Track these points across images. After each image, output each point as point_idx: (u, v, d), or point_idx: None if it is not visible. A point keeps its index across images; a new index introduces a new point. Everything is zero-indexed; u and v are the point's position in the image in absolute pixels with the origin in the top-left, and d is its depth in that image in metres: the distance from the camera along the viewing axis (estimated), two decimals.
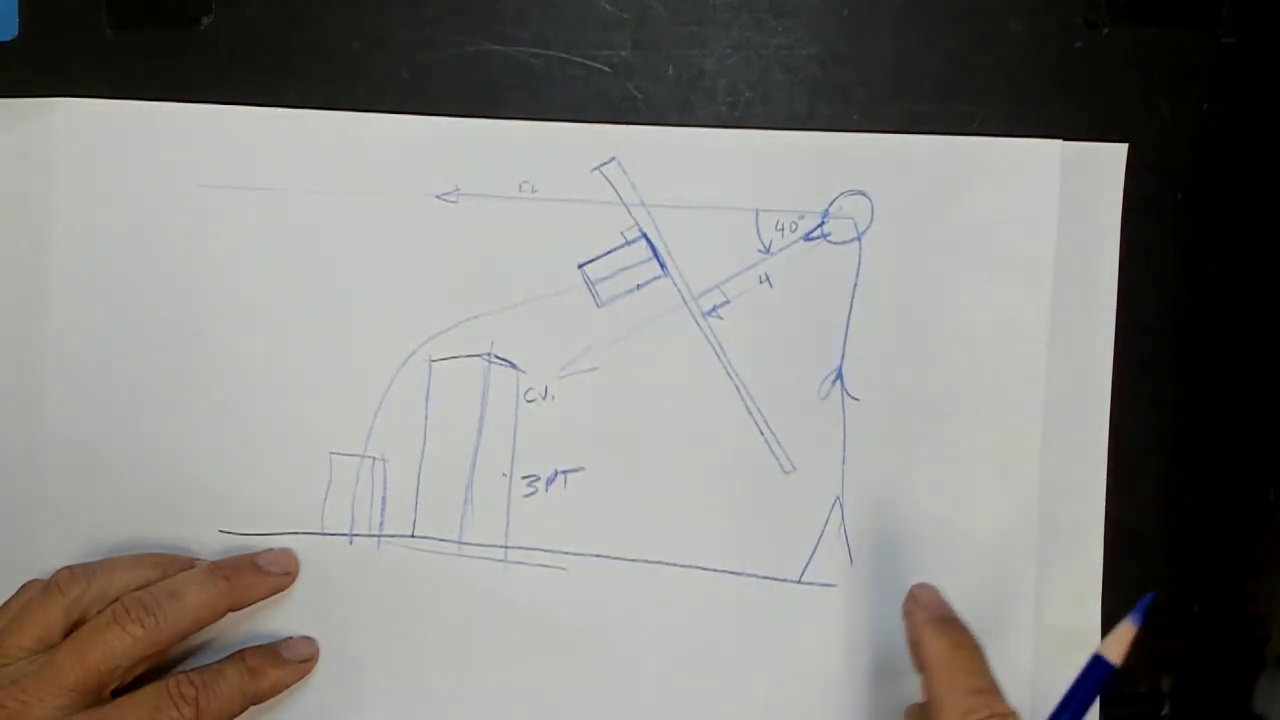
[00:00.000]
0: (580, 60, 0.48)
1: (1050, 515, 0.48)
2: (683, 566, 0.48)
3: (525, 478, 0.48)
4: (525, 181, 0.47)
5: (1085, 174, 0.47)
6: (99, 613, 0.44)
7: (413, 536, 0.48)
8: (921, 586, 0.44)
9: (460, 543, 0.48)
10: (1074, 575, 0.48)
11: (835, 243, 0.47)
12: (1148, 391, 0.48)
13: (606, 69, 0.48)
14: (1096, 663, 0.40)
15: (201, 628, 0.45)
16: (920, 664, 0.42)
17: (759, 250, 0.47)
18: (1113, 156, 0.47)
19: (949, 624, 0.42)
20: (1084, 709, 0.40)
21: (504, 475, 0.48)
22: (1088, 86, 0.47)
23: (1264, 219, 0.48)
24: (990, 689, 0.40)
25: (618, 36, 0.48)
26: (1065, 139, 0.47)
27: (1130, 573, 0.48)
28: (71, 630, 0.44)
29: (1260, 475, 0.49)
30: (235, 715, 0.45)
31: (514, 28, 0.47)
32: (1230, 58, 0.48)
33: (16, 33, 0.48)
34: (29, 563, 0.48)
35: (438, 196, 0.47)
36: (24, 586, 0.45)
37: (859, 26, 0.47)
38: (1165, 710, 0.49)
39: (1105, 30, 0.47)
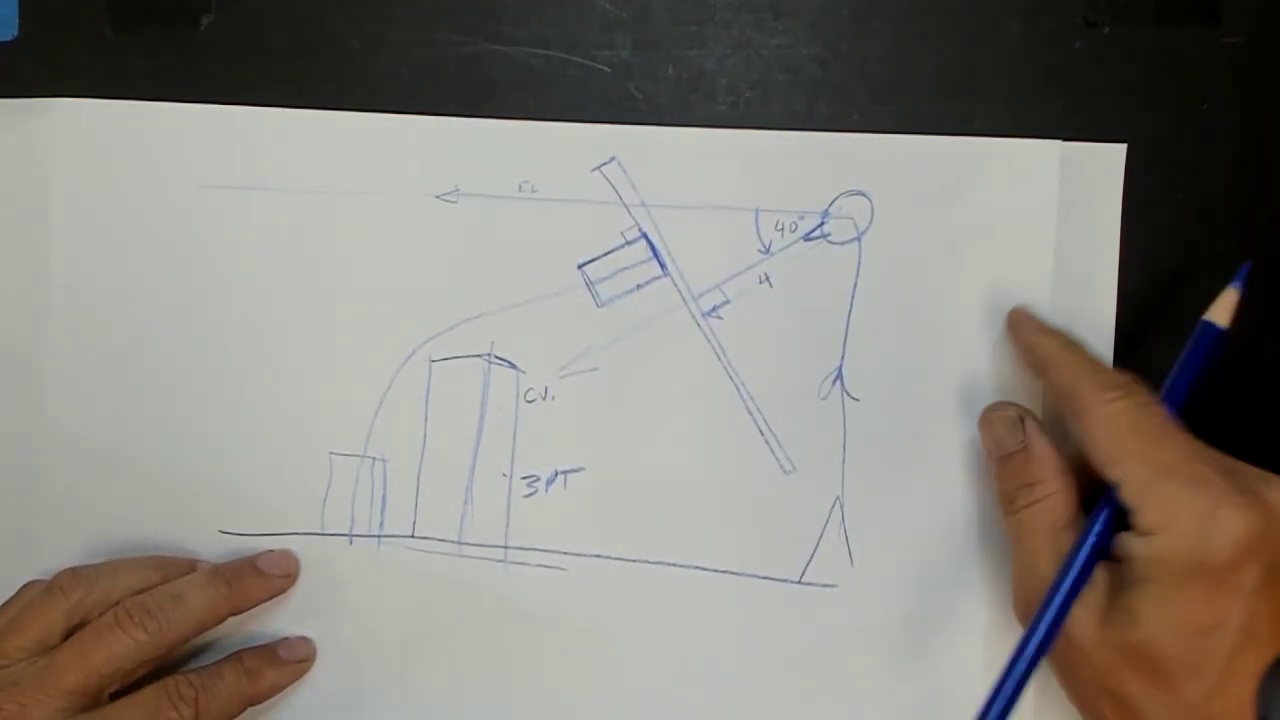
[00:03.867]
0: (580, 60, 0.48)
1: None
2: (683, 566, 0.48)
3: (525, 478, 0.48)
4: (525, 181, 0.47)
5: (1085, 174, 0.47)
6: (100, 615, 0.44)
7: (412, 537, 0.48)
8: (1018, 308, 0.46)
9: (460, 543, 0.48)
10: None
11: (835, 243, 0.47)
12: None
13: (606, 69, 0.48)
14: (1204, 328, 0.42)
15: (203, 631, 0.45)
16: (1041, 366, 0.44)
17: (759, 250, 0.47)
18: (1112, 156, 0.47)
19: (1055, 331, 0.44)
20: (1196, 374, 0.42)
21: (504, 475, 0.48)
22: (1088, 86, 0.47)
23: (1264, 219, 0.48)
24: (1112, 370, 0.43)
25: (618, 36, 0.48)
26: (1065, 139, 0.47)
27: None
28: (71, 633, 0.44)
29: None
30: (234, 716, 0.45)
31: (514, 28, 0.48)
32: (1230, 57, 0.48)
33: (16, 33, 0.48)
34: (29, 563, 0.48)
35: (437, 197, 0.47)
36: (25, 587, 0.45)
37: (859, 26, 0.47)
38: None
39: (1105, 30, 0.47)
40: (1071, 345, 0.43)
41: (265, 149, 0.47)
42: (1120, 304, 0.47)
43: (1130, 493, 0.39)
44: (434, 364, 0.48)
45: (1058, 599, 0.40)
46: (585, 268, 0.47)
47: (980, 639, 0.47)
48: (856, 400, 0.47)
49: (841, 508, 0.47)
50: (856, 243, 0.47)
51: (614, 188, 0.47)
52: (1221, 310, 0.43)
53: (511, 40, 0.48)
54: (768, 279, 0.48)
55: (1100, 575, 0.40)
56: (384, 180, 0.47)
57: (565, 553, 0.48)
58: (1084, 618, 0.39)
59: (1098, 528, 0.40)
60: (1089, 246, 0.47)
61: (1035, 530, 0.42)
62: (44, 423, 0.48)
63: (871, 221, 0.47)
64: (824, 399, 0.48)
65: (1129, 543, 0.39)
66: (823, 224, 0.47)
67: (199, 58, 0.48)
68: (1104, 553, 0.40)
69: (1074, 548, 0.40)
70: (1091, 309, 0.47)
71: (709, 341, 0.48)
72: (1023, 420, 0.43)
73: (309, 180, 0.47)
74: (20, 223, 0.48)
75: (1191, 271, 0.48)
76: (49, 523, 0.48)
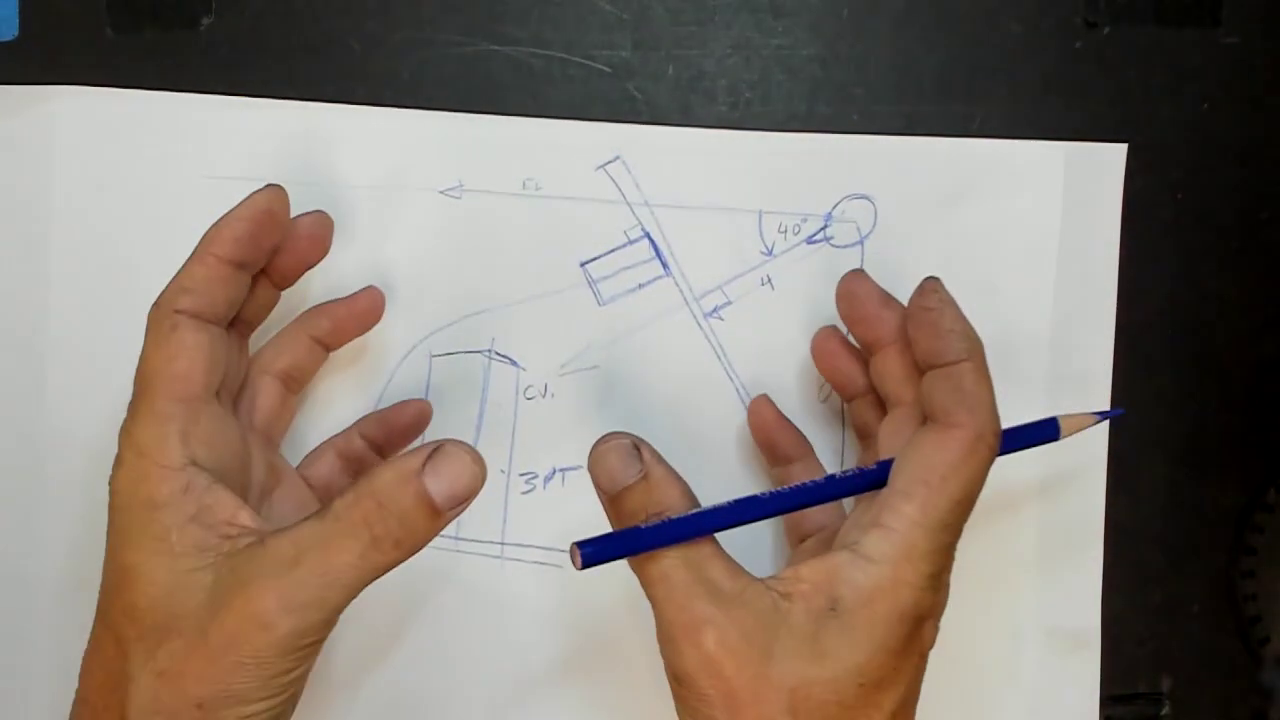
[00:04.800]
0: (580, 60, 0.48)
1: (1050, 515, 0.48)
2: None
3: (523, 475, 0.48)
4: (529, 178, 0.47)
5: (1085, 174, 0.47)
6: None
7: None
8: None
9: (457, 538, 0.48)
10: (1074, 575, 0.48)
11: (838, 246, 0.47)
12: (1148, 391, 0.48)
13: (606, 69, 0.48)
14: (1049, 424, 0.41)
15: None
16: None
17: (761, 252, 0.47)
18: (1113, 156, 0.47)
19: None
20: (1012, 448, 0.40)
21: (502, 472, 0.48)
22: (1088, 86, 0.48)
23: (1264, 219, 0.48)
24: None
25: (618, 36, 0.48)
26: (1065, 139, 0.47)
27: (1130, 573, 0.48)
28: None
29: (1260, 475, 0.49)
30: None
31: (514, 28, 0.48)
32: (1230, 58, 0.48)
33: (17, 33, 0.48)
34: (29, 561, 0.48)
35: (441, 192, 0.47)
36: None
37: (859, 26, 0.48)
38: (1165, 710, 0.49)
39: (1105, 30, 0.48)
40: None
41: (269, 141, 0.47)
42: (1120, 304, 0.48)
43: (898, 515, 0.36)
44: (434, 359, 0.47)
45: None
46: (587, 266, 0.47)
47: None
48: None
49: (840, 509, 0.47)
50: (859, 246, 0.47)
51: (618, 186, 0.47)
52: (1072, 425, 0.41)
53: (511, 40, 0.48)
54: (769, 281, 0.48)
55: (763, 604, 0.36)
56: (388, 174, 0.47)
57: (562, 550, 0.48)
58: (744, 649, 0.35)
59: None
60: (1089, 246, 0.47)
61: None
62: (44, 413, 0.48)
63: (875, 225, 0.47)
64: (824, 401, 0.48)
65: (843, 567, 0.35)
66: (826, 227, 0.47)
67: (199, 58, 0.48)
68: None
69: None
70: (1092, 308, 0.47)
71: (710, 342, 0.48)
72: (638, 448, 0.37)
73: (313, 173, 0.47)
74: (21, 212, 0.47)
75: (1191, 271, 0.48)
76: (49, 522, 0.48)
